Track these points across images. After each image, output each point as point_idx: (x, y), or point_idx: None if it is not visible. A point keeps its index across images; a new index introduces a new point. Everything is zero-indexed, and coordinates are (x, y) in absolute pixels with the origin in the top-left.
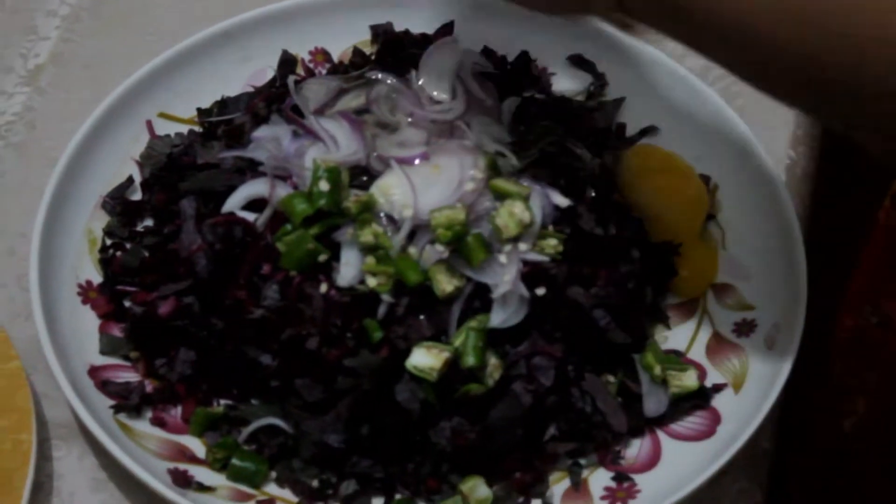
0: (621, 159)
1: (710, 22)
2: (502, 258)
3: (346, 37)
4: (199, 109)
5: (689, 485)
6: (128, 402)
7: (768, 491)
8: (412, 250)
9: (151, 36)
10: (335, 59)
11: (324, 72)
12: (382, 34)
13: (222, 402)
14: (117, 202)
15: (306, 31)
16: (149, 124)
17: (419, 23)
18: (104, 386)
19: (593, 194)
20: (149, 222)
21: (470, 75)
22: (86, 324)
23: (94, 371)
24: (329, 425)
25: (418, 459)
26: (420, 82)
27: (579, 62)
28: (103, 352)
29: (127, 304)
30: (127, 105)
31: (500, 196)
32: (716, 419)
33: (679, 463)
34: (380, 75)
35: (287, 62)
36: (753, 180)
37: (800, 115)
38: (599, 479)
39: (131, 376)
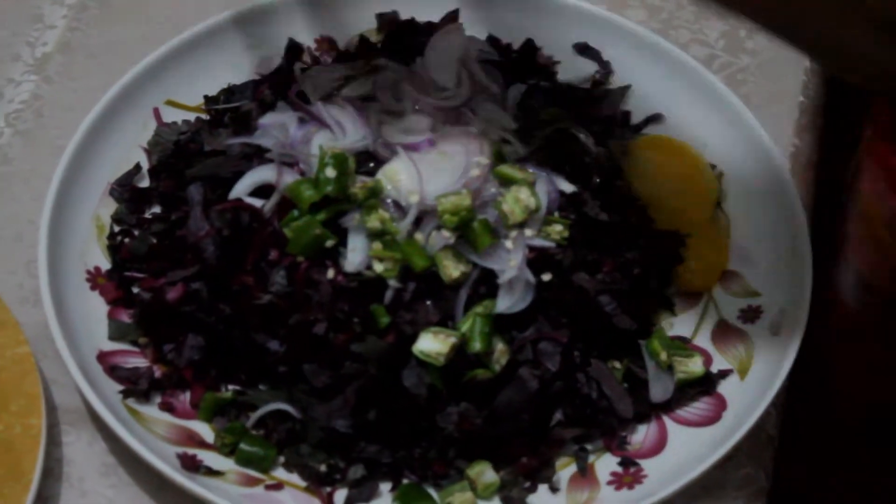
0: (630, 148)
1: None
2: (508, 244)
3: (352, 25)
4: (206, 97)
5: (695, 470)
6: (136, 387)
7: (773, 477)
8: (419, 236)
9: (158, 24)
10: (341, 47)
11: (330, 60)
12: (388, 22)
13: (230, 387)
14: (125, 189)
15: (312, 20)
16: (156, 112)
17: (425, 11)
18: (113, 371)
19: (598, 181)
20: (156, 209)
21: (475, 62)
22: (94, 310)
23: (102, 357)
24: (336, 410)
25: (425, 444)
26: (426, 69)
27: (585, 50)
28: (112, 337)
29: (135, 290)
30: (134, 93)
31: (506, 182)
32: (721, 405)
33: (685, 448)
34: (385, 63)
35: (293, 50)
36: (758, 168)
37: (805, 104)
38: (606, 465)
39: (140, 362)
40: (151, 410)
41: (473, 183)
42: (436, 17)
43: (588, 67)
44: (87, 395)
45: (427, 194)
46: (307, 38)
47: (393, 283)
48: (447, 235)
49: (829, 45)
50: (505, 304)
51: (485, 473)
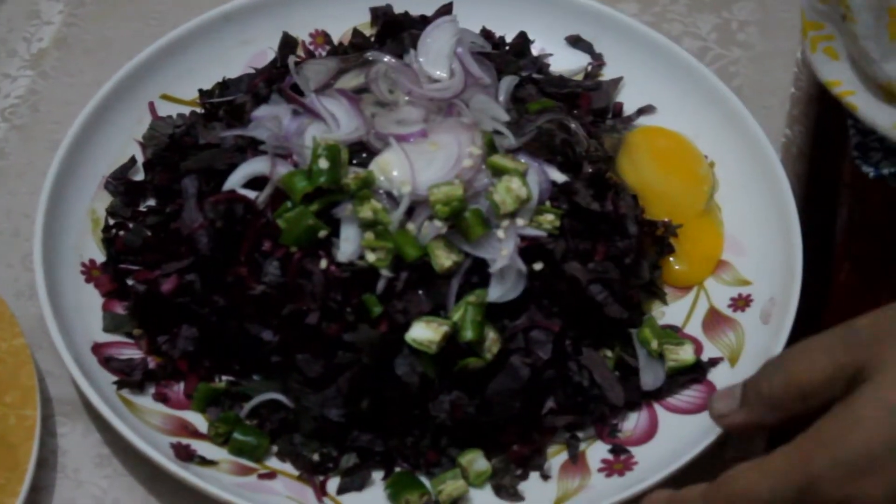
0: (625, 140)
1: None
2: (500, 233)
3: (346, 19)
4: (200, 91)
5: (686, 456)
6: (131, 378)
7: None
8: (411, 226)
9: (154, 19)
10: (335, 41)
11: (324, 53)
12: (382, 16)
13: (224, 377)
14: (120, 182)
15: (306, 14)
16: (151, 106)
17: (418, 4)
18: (107, 362)
19: (590, 171)
20: (151, 202)
21: (468, 54)
22: (89, 302)
23: (97, 348)
24: (329, 400)
25: (418, 433)
26: (419, 61)
27: (577, 42)
28: (106, 329)
29: (130, 282)
30: (129, 87)
31: (498, 172)
32: (712, 392)
33: (676, 435)
34: (379, 55)
35: (287, 44)
36: (750, 159)
37: (796, 95)
38: (597, 452)
39: (134, 353)
40: (145, 401)
41: (465, 173)
42: (429, 11)
43: (581, 59)
44: (82, 386)
45: (419, 185)
46: (301, 32)
47: (385, 272)
48: (439, 225)
49: None
50: (497, 293)
51: (477, 461)
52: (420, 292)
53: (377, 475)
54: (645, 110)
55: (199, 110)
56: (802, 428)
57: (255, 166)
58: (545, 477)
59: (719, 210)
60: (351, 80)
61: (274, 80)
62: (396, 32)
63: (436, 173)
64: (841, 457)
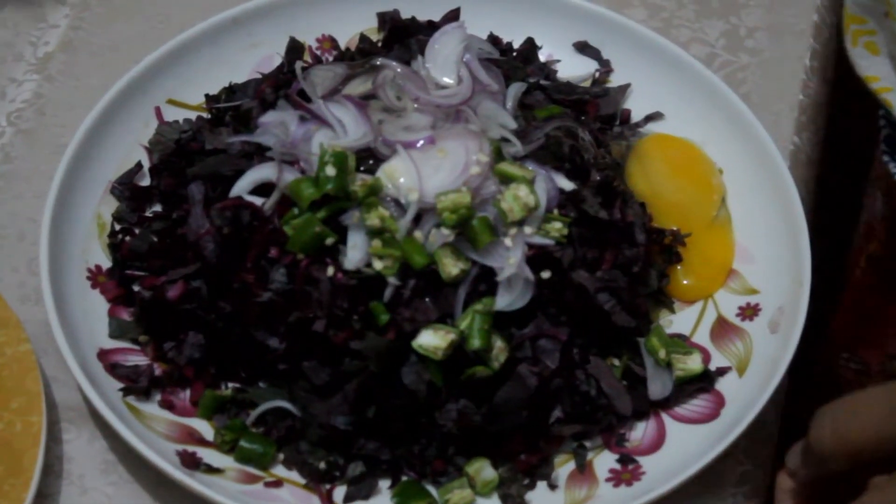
0: (636, 147)
1: None
2: (507, 241)
3: (353, 24)
4: (207, 96)
5: (693, 467)
6: (137, 385)
7: (772, 474)
8: (418, 233)
9: (160, 23)
10: (342, 46)
11: (331, 59)
12: (389, 21)
13: (230, 384)
14: (126, 187)
15: (313, 19)
16: (157, 110)
17: (426, 9)
18: (113, 369)
19: (598, 178)
20: (157, 207)
21: (476, 61)
22: (95, 308)
23: (103, 354)
24: (336, 408)
25: (424, 441)
26: (426, 67)
27: (585, 48)
28: (112, 335)
29: (136, 288)
30: (136, 92)
31: (506, 180)
32: (720, 402)
33: (683, 445)
34: (386, 61)
35: (294, 49)
36: (758, 166)
37: (804, 102)
38: (604, 462)
39: (140, 359)
40: (151, 408)
41: (473, 181)
42: (437, 16)
43: (588, 66)
44: (88, 392)
45: (426, 192)
46: (308, 37)
47: (392, 280)
48: (446, 233)
49: None
50: (504, 301)
51: (484, 470)
52: (427, 300)
53: (384, 484)
54: (653, 117)
55: (205, 115)
56: None
57: (261, 173)
58: (552, 486)
59: (730, 219)
60: (358, 86)
61: (281, 85)
62: (403, 38)
63: (443, 181)
64: None
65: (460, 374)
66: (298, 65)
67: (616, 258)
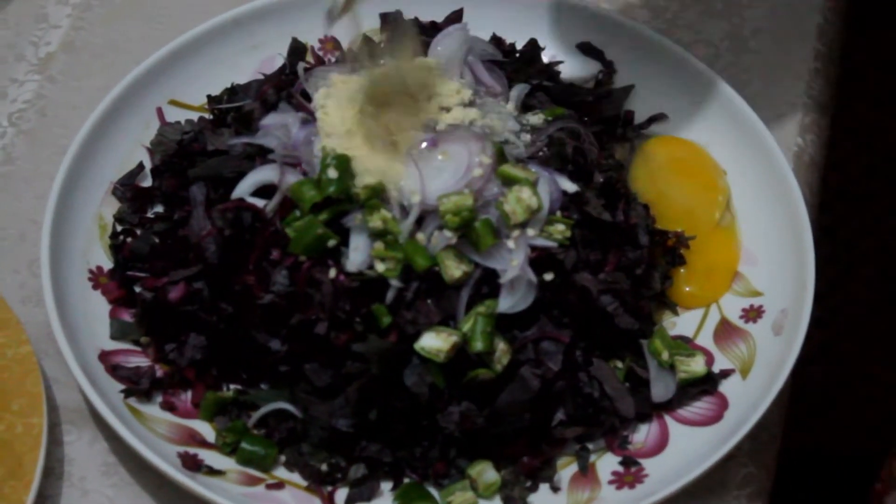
0: (642, 149)
1: None
2: (510, 244)
3: (356, 25)
4: (209, 97)
5: (697, 469)
6: (138, 386)
7: (775, 476)
8: (420, 236)
9: (162, 24)
10: (344, 47)
11: (333, 60)
12: (392, 22)
13: (232, 386)
14: (128, 188)
15: (316, 19)
16: (159, 111)
17: (428, 10)
18: (114, 370)
19: (601, 180)
20: (159, 208)
21: (479, 62)
22: (96, 309)
23: (104, 356)
24: (338, 410)
25: (426, 444)
26: None
27: (588, 50)
28: (114, 337)
29: (137, 289)
30: (137, 92)
31: (508, 182)
32: (723, 404)
33: (686, 448)
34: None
35: (297, 50)
36: (762, 168)
37: (808, 104)
38: (607, 464)
39: (141, 361)
40: (153, 410)
41: (475, 183)
42: (439, 17)
43: (591, 67)
44: (89, 394)
45: (429, 194)
46: (311, 38)
47: (395, 282)
48: (449, 235)
49: None
50: (507, 303)
51: (486, 473)
52: (429, 303)
53: (386, 486)
54: (656, 118)
55: (207, 116)
56: None
57: (263, 174)
58: (555, 489)
59: (735, 223)
60: None
61: (283, 86)
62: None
63: (445, 183)
64: None
65: (463, 376)
66: (301, 66)
67: (619, 260)
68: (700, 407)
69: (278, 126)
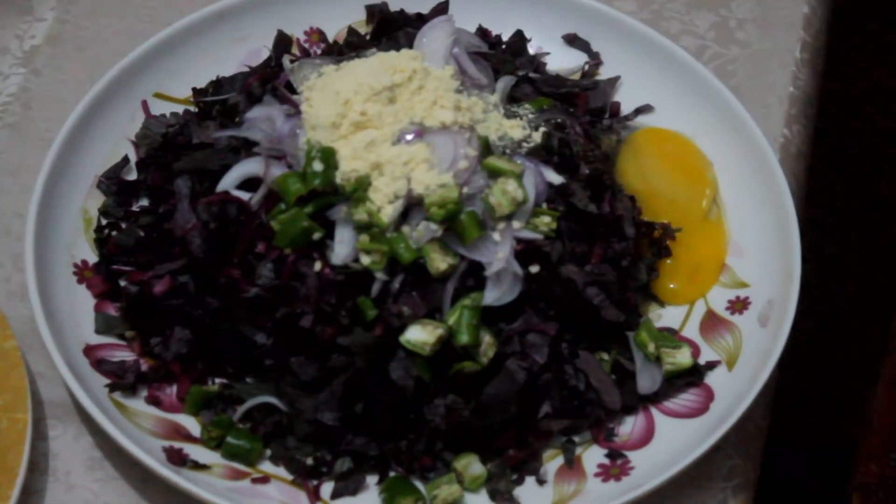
0: (630, 141)
1: None
2: (496, 236)
3: (342, 17)
4: (194, 89)
5: (683, 461)
6: (123, 380)
7: (761, 467)
8: (406, 228)
9: (147, 16)
10: (330, 38)
11: (319, 52)
12: (377, 13)
13: (217, 380)
14: (113, 182)
15: (301, 11)
16: (144, 104)
17: (414, 2)
18: (99, 365)
19: (587, 172)
20: (144, 202)
21: (465, 54)
22: (81, 303)
23: (89, 350)
24: (323, 403)
25: (412, 437)
26: None
27: (574, 41)
28: (98, 331)
29: (122, 283)
30: (122, 85)
31: (494, 174)
32: (709, 396)
33: (672, 440)
34: (374, 54)
35: (282, 42)
36: (748, 158)
37: (795, 94)
38: (593, 456)
39: (126, 355)
40: (138, 404)
41: (461, 175)
42: (425, 9)
43: (578, 58)
44: (74, 389)
45: (414, 186)
46: (296, 30)
47: (380, 275)
48: (434, 228)
49: None
50: (492, 296)
51: (472, 466)
52: (415, 295)
53: (371, 480)
54: (642, 110)
55: (192, 109)
56: None
57: (248, 167)
58: (541, 482)
59: (722, 217)
60: None
61: (268, 79)
62: (392, 31)
63: (431, 175)
64: None
65: (448, 369)
66: (286, 58)
67: (605, 252)
68: (686, 399)
69: (263, 119)
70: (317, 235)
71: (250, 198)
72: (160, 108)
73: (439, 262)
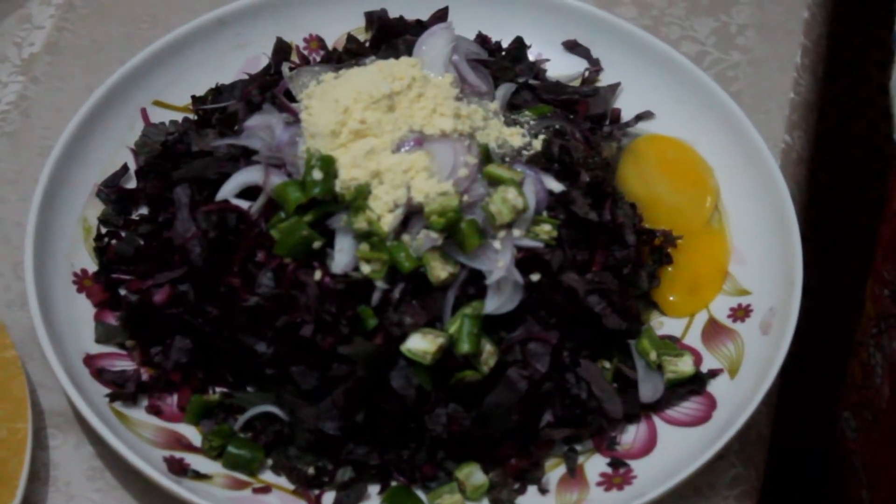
0: (632, 148)
1: None
2: (496, 244)
3: (341, 24)
4: (193, 97)
5: (685, 470)
6: (123, 390)
7: (764, 476)
8: (406, 237)
9: (146, 23)
10: (329, 46)
11: (318, 59)
12: (377, 21)
13: (218, 389)
14: (112, 190)
15: (301, 18)
16: (143, 112)
17: (414, 9)
18: (100, 374)
19: (587, 179)
20: (144, 210)
21: (464, 61)
22: (81, 312)
23: (89, 359)
24: (324, 412)
25: (414, 446)
26: None
27: (574, 47)
28: (98, 340)
29: (122, 292)
30: (121, 93)
31: (494, 182)
32: (711, 404)
33: (675, 448)
34: (374, 61)
35: (281, 49)
36: (749, 165)
37: (796, 100)
38: (595, 465)
39: (127, 364)
40: (138, 413)
41: (461, 183)
42: (425, 16)
43: (578, 65)
44: (74, 398)
45: (414, 195)
46: (296, 37)
47: (380, 284)
48: (435, 236)
49: None
50: (493, 304)
51: (474, 475)
52: (416, 304)
53: (373, 489)
54: (643, 116)
55: (191, 117)
56: None
57: (248, 176)
58: (543, 491)
59: (723, 221)
60: None
61: (267, 86)
62: (391, 38)
63: (431, 183)
64: None
65: (449, 378)
66: (285, 66)
67: (606, 260)
68: (688, 407)
69: (262, 127)
70: (317, 244)
71: (250, 206)
72: (159, 116)
73: (440, 270)
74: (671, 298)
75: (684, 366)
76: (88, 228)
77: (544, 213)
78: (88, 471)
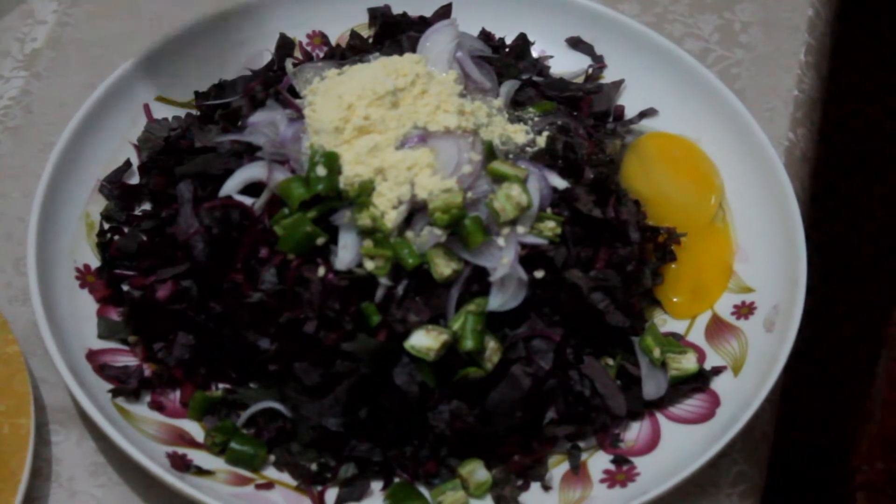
0: (636, 146)
1: None
2: (500, 241)
3: (344, 20)
4: (196, 93)
5: (689, 467)
6: (126, 385)
7: (768, 473)
8: (410, 233)
9: (149, 19)
10: (333, 42)
11: (321, 55)
12: (380, 17)
13: (221, 385)
14: (115, 186)
15: (304, 15)
16: (146, 108)
17: (417, 5)
18: (102, 370)
19: (591, 176)
20: (146, 206)
21: (468, 58)
22: (84, 308)
23: (92, 355)
24: (327, 409)
25: (417, 443)
26: None
27: (577, 44)
28: (101, 336)
29: (125, 287)
30: (124, 89)
31: (498, 179)
32: (715, 402)
33: (678, 446)
34: (377, 58)
35: (284, 45)
36: (753, 162)
37: (800, 98)
38: (598, 462)
39: (130, 360)
40: (141, 409)
41: (465, 180)
42: (428, 12)
43: (581, 62)
44: (76, 394)
45: (418, 191)
46: (299, 33)
47: (384, 281)
48: (438, 233)
49: None
50: (497, 301)
51: (477, 472)
52: (419, 301)
53: (376, 486)
54: (647, 113)
55: (194, 113)
56: None
57: (251, 172)
58: (546, 487)
59: (727, 219)
60: None
61: (270, 82)
62: (394, 34)
63: (434, 180)
64: None
65: (453, 374)
66: (289, 62)
67: (610, 257)
68: (692, 404)
69: (266, 123)
70: (320, 240)
71: (253, 202)
72: (162, 112)
73: (443, 267)
74: (675, 300)
75: (688, 363)
76: (91, 224)
77: (548, 210)
78: (91, 467)
